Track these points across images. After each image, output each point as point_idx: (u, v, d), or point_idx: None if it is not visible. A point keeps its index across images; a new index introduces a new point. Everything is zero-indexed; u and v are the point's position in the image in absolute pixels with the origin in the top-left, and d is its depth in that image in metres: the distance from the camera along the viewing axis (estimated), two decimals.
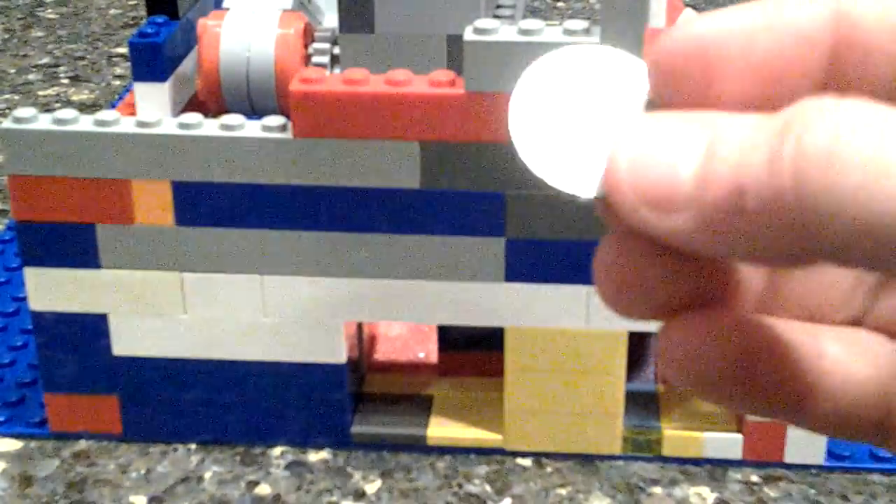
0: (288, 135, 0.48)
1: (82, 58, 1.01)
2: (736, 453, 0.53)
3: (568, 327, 0.51)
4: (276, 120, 0.48)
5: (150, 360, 0.53)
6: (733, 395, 0.21)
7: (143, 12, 1.10)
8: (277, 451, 0.54)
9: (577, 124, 0.20)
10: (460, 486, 0.52)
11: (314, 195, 0.49)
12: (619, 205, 0.18)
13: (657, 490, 0.52)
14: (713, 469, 0.53)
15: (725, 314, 0.21)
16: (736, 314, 0.21)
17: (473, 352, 0.57)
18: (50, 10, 1.12)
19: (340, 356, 0.52)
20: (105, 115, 0.49)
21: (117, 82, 0.97)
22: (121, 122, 0.49)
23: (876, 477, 0.52)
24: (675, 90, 0.19)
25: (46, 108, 0.92)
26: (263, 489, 0.52)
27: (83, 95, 0.95)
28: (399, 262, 0.50)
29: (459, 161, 0.48)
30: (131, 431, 0.55)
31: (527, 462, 0.53)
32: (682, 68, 0.19)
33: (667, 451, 0.53)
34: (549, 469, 0.53)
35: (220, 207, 0.50)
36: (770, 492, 0.51)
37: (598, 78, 0.20)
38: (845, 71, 0.19)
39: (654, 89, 0.20)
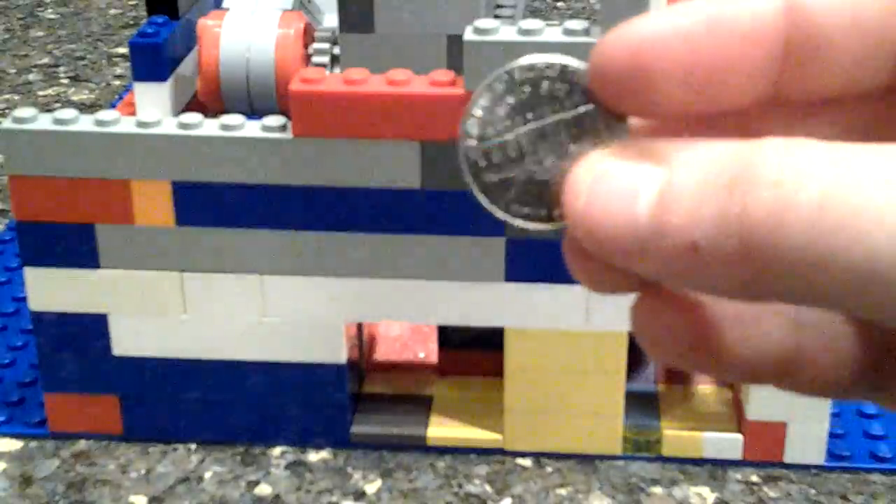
0: (288, 135, 0.48)
1: (82, 58, 1.01)
2: (736, 453, 0.53)
3: (568, 327, 0.51)
4: (276, 120, 0.48)
5: (150, 360, 0.53)
6: (695, 362, 0.21)
7: (143, 12, 1.10)
8: (277, 451, 0.54)
9: (532, 156, 0.19)
10: (460, 486, 0.52)
11: (314, 195, 0.49)
12: (579, 241, 0.19)
13: (657, 490, 0.52)
14: (713, 469, 0.53)
15: (673, 295, 0.21)
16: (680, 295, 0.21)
17: (473, 352, 0.57)
18: (50, 10, 1.12)
19: (341, 356, 0.52)
20: (105, 115, 0.49)
21: (117, 82, 0.97)
22: (121, 122, 0.49)
23: (876, 477, 0.52)
24: (617, 98, 0.19)
25: (46, 108, 0.92)
26: (263, 489, 0.52)
27: (83, 95, 0.95)
28: (399, 262, 0.50)
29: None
30: (131, 431, 0.55)
31: (527, 462, 0.53)
32: (620, 75, 0.19)
33: (667, 451, 0.53)
34: (549, 469, 0.53)
35: (220, 207, 0.50)
36: (770, 492, 0.51)
37: (548, 98, 0.19)
38: (802, 64, 0.19)
39: (597, 99, 0.19)
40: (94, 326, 0.53)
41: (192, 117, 0.49)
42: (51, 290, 0.52)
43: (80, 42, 1.04)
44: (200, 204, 0.50)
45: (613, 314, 0.50)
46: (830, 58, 0.19)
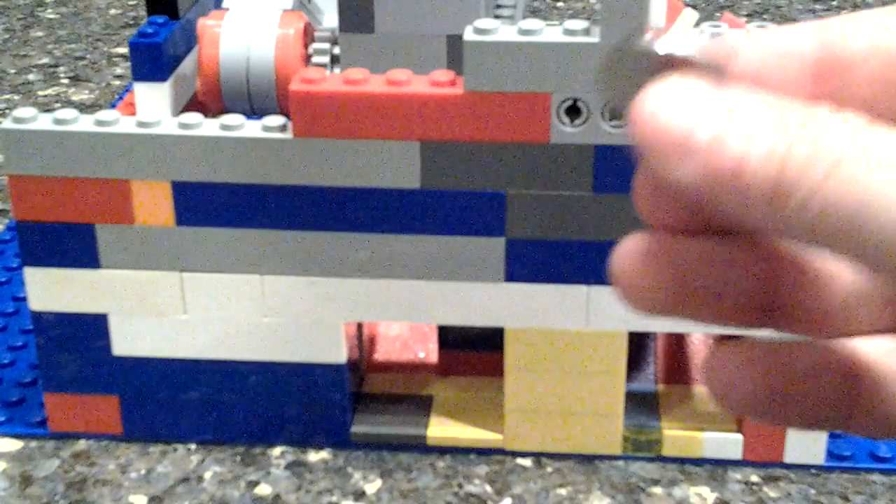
0: (288, 135, 0.48)
1: (82, 58, 1.01)
2: (736, 453, 0.53)
3: (568, 327, 0.51)
4: (276, 120, 0.48)
5: (150, 360, 0.53)
6: (775, 416, 0.24)
7: (143, 12, 1.10)
8: (277, 451, 0.54)
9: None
10: (460, 486, 0.52)
11: (314, 195, 0.49)
12: (641, 135, 0.21)
13: (657, 490, 0.52)
14: (713, 469, 0.53)
15: (760, 342, 0.24)
16: (767, 341, 0.24)
17: (473, 352, 0.57)
18: (50, 10, 1.12)
19: (340, 356, 0.52)
20: (105, 115, 0.49)
21: (117, 82, 0.97)
22: (121, 122, 0.49)
23: (876, 477, 0.52)
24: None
25: (46, 108, 0.92)
26: (263, 489, 0.52)
27: (83, 95, 0.95)
28: (399, 262, 0.50)
29: (459, 161, 0.48)
30: (131, 431, 0.55)
31: (527, 462, 0.53)
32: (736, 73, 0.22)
33: (667, 451, 0.53)
34: (549, 469, 0.53)
35: (220, 207, 0.50)
36: (770, 492, 0.51)
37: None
38: (829, 83, 0.22)
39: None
40: (94, 326, 0.53)
41: (192, 117, 0.49)
42: (51, 290, 0.52)
43: (80, 42, 1.04)
44: (200, 204, 0.50)
45: (613, 314, 0.50)
46: (854, 82, 0.22)
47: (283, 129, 0.48)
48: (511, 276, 0.50)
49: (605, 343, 0.51)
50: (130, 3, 1.13)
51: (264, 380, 0.53)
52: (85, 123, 0.49)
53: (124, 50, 1.02)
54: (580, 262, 0.50)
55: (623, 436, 0.53)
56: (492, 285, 0.50)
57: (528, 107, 0.46)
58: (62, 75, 0.98)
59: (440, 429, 0.54)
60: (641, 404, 0.55)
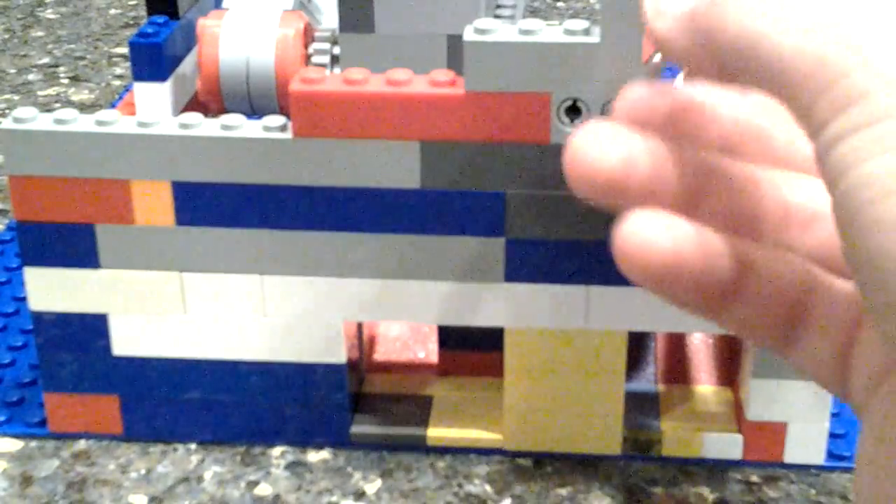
0: (288, 135, 0.48)
1: (82, 58, 1.01)
2: (736, 453, 0.53)
3: (567, 327, 0.51)
4: (276, 120, 0.48)
5: (150, 360, 0.53)
6: (674, 288, 0.32)
7: (143, 12, 1.10)
8: (277, 451, 0.54)
9: None
10: (460, 486, 0.52)
11: (314, 195, 0.49)
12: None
13: (657, 490, 0.52)
14: (713, 469, 0.53)
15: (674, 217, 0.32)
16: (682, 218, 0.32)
17: (473, 352, 0.57)
18: (50, 10, 1.12)
19: (340, 356, 0.52)
20: (105, 115, 0.49)
21: (117, 82, 0.97)
22: (121, 122, 0.49)
23: None
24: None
25: (46, 108, 0.92)
26: (263, 489, 0.52)
27: (83, 95, 0.95)
28: (399, 262, 0.50)
29: (459, 161, 0.48)
30: (131, 431, 0.55)
31: (527, 462, 0.53)
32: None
33: (667, 451, 0.53)
34: (549, 469, 0.53)
35: (221, 207, 0.50)
36: (770, 492, 0.51)
37: None
38: None
39: None
40: (94, 326, 0.53)
41: (193, 117, 0.49)
42: (51, 289, 0.52)
43: (80, 42, 1.04)
44: (200, 204, 0.50)
45: (614, 314, 0.50)
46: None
47: (283, 129, 0.48)
48: (511, 276, 0.50)
49: (606, 343, 0.51)
50: (130, 3, 1.13)
51: (264, 380, 0.53)
52: (85, 123, 0.49)
53: (124, 50, 1.02)
54: (580, 262, 0.50)
55: (623, 436, 0.53)
56: (491, 285, 0.50)
57: (528, 107, 0.47)
58: (62, 75, 0.98)
59: (440, 429, 0.54)
60: (641, 404, 0.55)
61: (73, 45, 1.04)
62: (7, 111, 0.92)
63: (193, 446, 0.55)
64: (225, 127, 0.49)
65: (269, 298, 0.51)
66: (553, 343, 0.51)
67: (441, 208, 0.49)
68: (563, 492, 0.51)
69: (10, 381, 0.59)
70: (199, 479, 0.53)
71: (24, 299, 0.67)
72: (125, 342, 0.53)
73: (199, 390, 0.54)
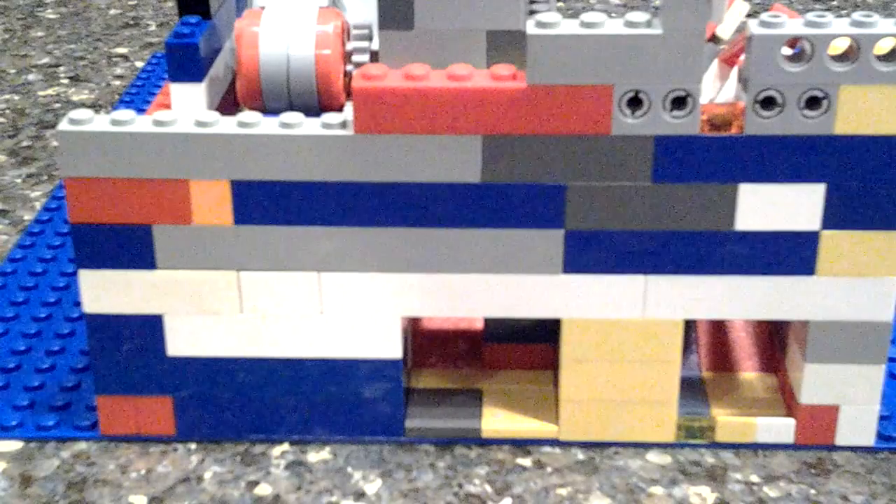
0: (349, 131, 0.48)
1: (82, 58, 1.01)
2: (788, 437, 0.54)
3: (624, 317, 0.51)
4: (335, 117, 0.48)
5: (204, 360, 0.53)
6: None
7: (143, 12, 1.10)
8: (277, 450, 0.54)
9: None
10: (460, 486, 0.52)
11: (373, 191, 0.49)
12: None
13: (657, 490, 0.52)
14: (713, 469, 0.53)
15: None
16: None
17: (517, 345, 0.57)
18: (50, 10, 1.11)
19: (397, 351, 0.53)
20: (163, 115, 0.49)
21: (117, 82, 0.96)
22: (179, 122, 0.49)
23: (876, 477, 0.52)
24: None
25: (46, 108, 0.91)
26: (263, 489, 0.52)
27: (83, 95, 0.94)
28: (457, 256, 0.50)
29: (521, 154, 0.48)
30: (184, 432, 0.55)
31: (527, 462, 0.54)
32: None
33: (720, 437, 0.54)
34: (549, 469, 0.53)
35: (279, 205, 0.50)
36: (770, 492, 0.52)
37: None
38: None
39: None
40: (149, 327, 0.52)
41: (251, 116, 0.49)
42: (106, 292, 0.52)
43: (80, 42, 1.04)
44: (259, 202, 0.50)
45: (671, 302, 0.51)
46: None
47: (343, 125, 0.48)
48: (568, 268, 0.51)
49: (662, 331, 0.52)
50: (130, 3, 1.12)
51: (319, 377, 0.53)
52: (143, 124, 0.49)
53: (124, 50, 1.02)
54: (638, 252, 0.50)
55: (676, 423, 0.54)
56: (549, 277, 0.51)
57: (590, 99, 0.47)
58: (62, 75, 0.97)
59: (494, 421, 0.54)
60: (690, 392, 0.56)
61: (73, 45, 1.03)
62: (7, 111, 0.91)
63: (193, 446, 0.55)
64: (284, 125, 0.49)
65: (326, 295, 0.51)
66: (610, 333, 0.52)
67: (501, 202, 0.49)
68: (563, 492, 0.52)
69: (54, 386, 0.59)
70: (199, 479, 0.53)
71: (55, 304, 0.66)
72: (180, 343, 0.53)
73: (252, 389, 0.54)
